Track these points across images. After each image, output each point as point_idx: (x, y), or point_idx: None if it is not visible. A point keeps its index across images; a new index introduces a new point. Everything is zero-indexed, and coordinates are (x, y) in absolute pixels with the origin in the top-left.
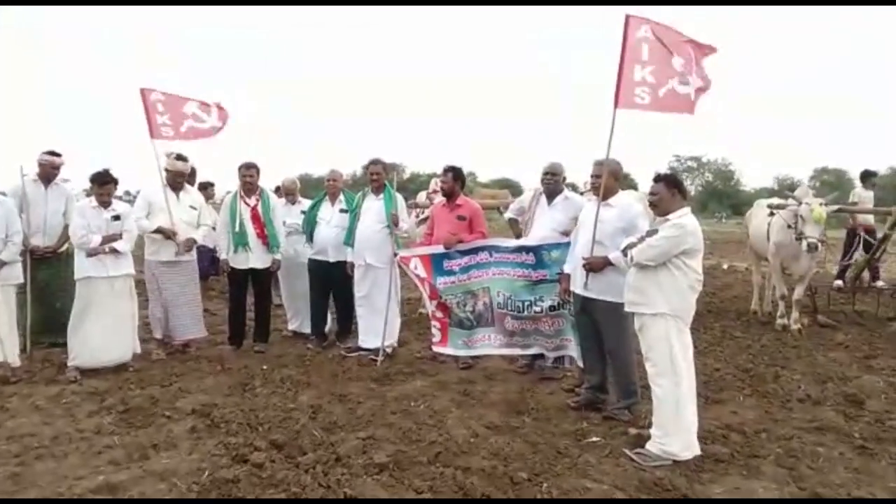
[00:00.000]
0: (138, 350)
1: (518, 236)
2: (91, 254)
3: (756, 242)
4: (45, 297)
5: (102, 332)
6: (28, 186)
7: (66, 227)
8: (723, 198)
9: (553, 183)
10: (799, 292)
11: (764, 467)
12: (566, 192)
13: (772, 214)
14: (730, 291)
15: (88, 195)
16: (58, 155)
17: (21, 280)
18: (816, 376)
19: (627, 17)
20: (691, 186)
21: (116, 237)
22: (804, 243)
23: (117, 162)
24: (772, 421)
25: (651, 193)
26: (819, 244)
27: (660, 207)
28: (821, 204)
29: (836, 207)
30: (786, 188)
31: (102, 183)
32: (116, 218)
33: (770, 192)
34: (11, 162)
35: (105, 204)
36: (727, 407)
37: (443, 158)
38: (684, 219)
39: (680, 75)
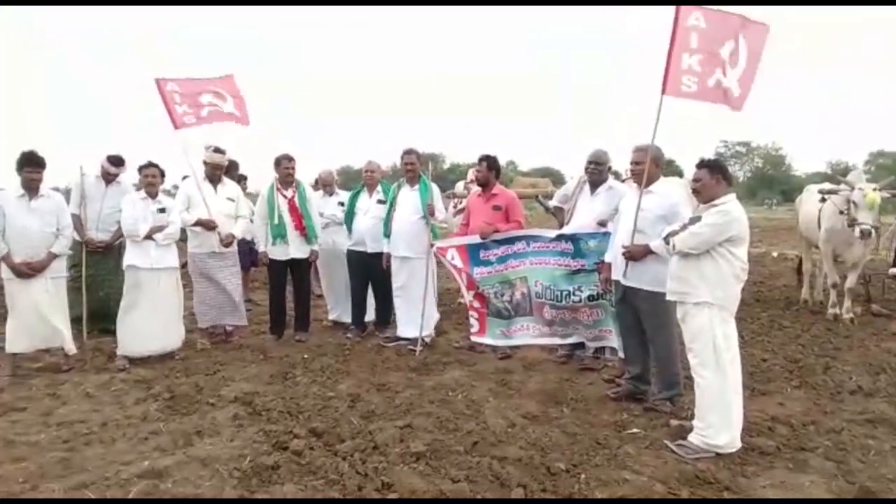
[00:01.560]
0: (182, 339)
1: (562, 225)
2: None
3: (807, 229)
4: (93, 287)
5: (149, 322)
6: (88, 183)
7: (119, 223)
8: (773, 184)
9: (597, 172)
10: (851, 280)
11: (812, 461)
12: (610, 181)
13: (823, 200)
14: (779, 280)
15: (138, 189)
16: (120, 163)
17: (67, 273)
18: (869, 367)
19: (677, 7)
20: (740, 172)
21: (162, 228)
22: (857, 230)
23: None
24: (821, 413)
25: (694, 180)
26: (872, 230)
27: (703, 194)
28: (874, 189)
29: (890, 193)
30: (839, 173)
31: (143, 167)
32: (162, 210)
33: (823, 178)
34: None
35: (152, 194)
36: (774, 399)
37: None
38: (729, 205)
39: (723, 64)
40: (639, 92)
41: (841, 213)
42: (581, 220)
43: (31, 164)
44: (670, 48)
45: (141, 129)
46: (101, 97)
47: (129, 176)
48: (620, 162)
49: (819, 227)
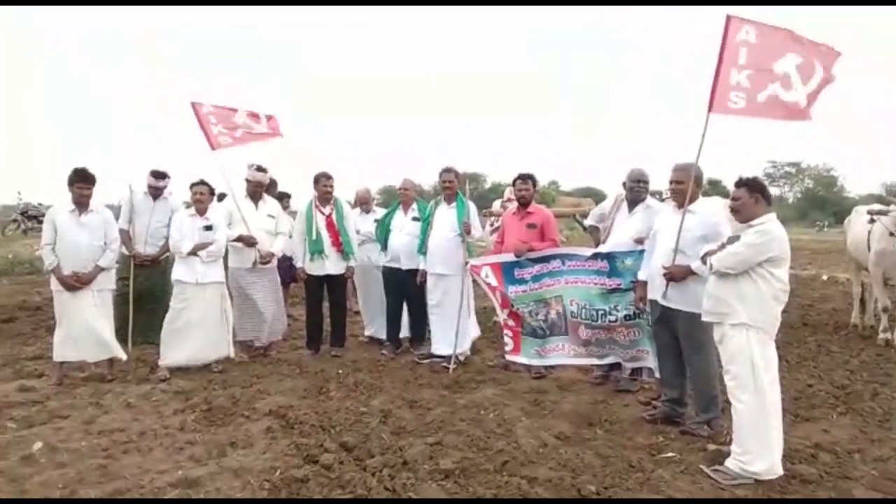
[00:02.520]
0: (232, 354)
1: (598, 244)
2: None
3: (856, 251)
4: (140, 300)
5: (192, 334)
6: (137, 198)
7: (167, 238)
8: (825, 205)
9: (642, 191)
10: None
11: (856, 490)
12: (648, 199)
13: (872, 221)
14: (828, 303)
15: (188, 207)
16: (162, 176)
17: (113, 286)
18: None
19: (728, 18)
20: (789, 193)
21: (206, 245)
22: None
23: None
24: (867, 441)
25: (733, 199)
26: None
27: (742, 214)
28: None
29: None
30: (894, 195)
31: (193, 184)
32: (209, 228)
33: (877, 199)
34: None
35: (201, 211)
36: (818, 425)
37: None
38: (769, 225)
39: (783, 79)
40: (681, 108)
41: (891, 234)
42: (618, 239)
43: (81, 181)
44: (718, 64)
45: (169, 142)
46: (100, 97)
47: (179, 192)
48: (660, 181)
49: (869, 248)
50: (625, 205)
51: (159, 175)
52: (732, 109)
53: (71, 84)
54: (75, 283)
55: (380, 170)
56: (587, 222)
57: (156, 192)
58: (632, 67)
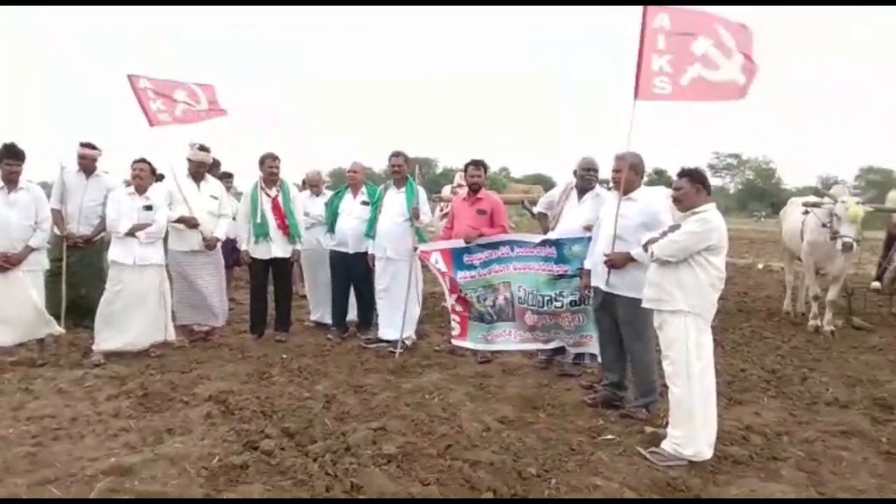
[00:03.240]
0: (172, 337)
1: (546, 231)
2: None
3: (790, 241)
4: (73, 283)
5: (129, 318)
6: (68, 176)
7: (102, 218)
8: (763, 196)
9: (593, 179)
10: (833, 293)
11: (783, 470)
12: (597, 188)
13: (806, 213)
14: (762, 291)
15: (128, 185)
16: (93, 147)
17: (47, 266)
18: (846, 379)
19: (645, 8)
20: (731, 184)
21: (146, 226)
22: (839, 242)
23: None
24: (795, 423)
25: (675, 188)
26: (854, 244)
27: (683, 203)
28: (857, 202)
29: (872, 207)
30: (829, 188)
31: (134, 162)
32: (149, 208)
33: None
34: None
35: (140, 189)
36: (749, 408)
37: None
38: (708, 214)
39: (703, 59)
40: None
41: (824, 225)
42: (567, 226)
43: (10, 157)
44: (640, 51)
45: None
46: (100, 97)
47: (114, 170)
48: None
49: (802, 239)
50: (574, 193)
51: (90, 145)
52: (659, 95)
53: (70, 83)
54: (4, 265)
55: (332, 153)
56: (536, 209)
57: (87, 166)
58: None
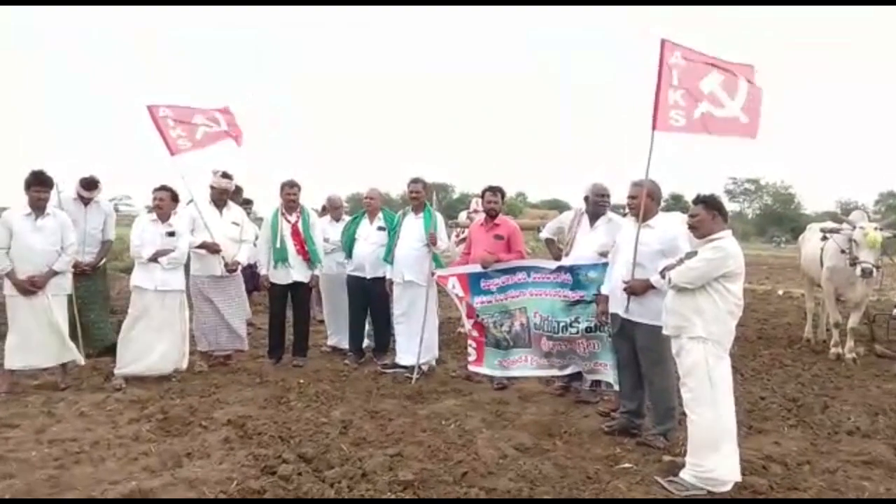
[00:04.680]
0: (184, 365)
1: (556, 257)
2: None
3: (809, 267)
4: (82, 311)
5: (150, 342)
6: (67, 204)
7: (103, 243)
8: (783, 222)
9: (605, 205)
10: (854, 320)
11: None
12: (609, 213)
13: (825, 239)
14: (783, 318)
15: (150, 211)
16: (93, 186)
17: (70, 290)
18: (868, 408)
19: (663, 42)
20: (749, 209)
21: (169, 252)
22: (858, 269)
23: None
24: (816, 453)
25: (690, 215)
26: (874, 269)
27: (700, 230)
28: (876, 228)
29: (892, 233)
30: (848, 213)
31: (155, 189)
32: (171, 234)
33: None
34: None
35: (162, 217)
36: (770, 437)
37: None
38: (724, 241)
39: (710, 98)
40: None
41: (843, 251)
42: (581, 252)
43: (38, 184)
44: (658, 84)
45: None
46: (100, 97)
47: (137, 196)
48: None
49: (821, 265)
50: (585, 218)
51: (89, 185)
52: (675, 127)
53: (70, 83)
54: (29, 288)
55: (349, 178)
56: (542, 235)
57: (86, 201)
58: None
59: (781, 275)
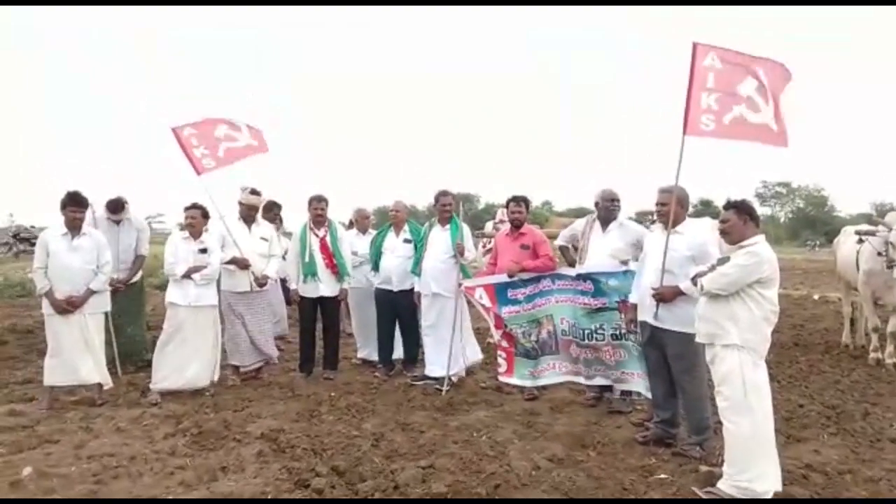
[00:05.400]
0: (215, 378)
1: (571, 264)
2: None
3: (845, 271)
4: (120, 326)
5: (185, 357)
6: (101, 224)
7: (136, 259)
8: (816, 224)
9: (615, 209)
10: (894, 324)
11: None
12: (620, 218)
13: (861, 241)
14: (819, 323)
15: (181, 229)
16: (119, 209)
17: (108, 308)
18: None
19: (695, 45)
20: (780, 213)
21: (201, 268)
22: (895, 271)
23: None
24: (858, 462)
25: (722, 221)
26: None
27: (731, 235)
28: None
29: None
30: (883, 214)
31: (186, 208)
32: (203, 251)
33: (867, 219)
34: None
35: (194, 235)
36: (809, 446)
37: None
38: (758, 247)
39: (748, 102)
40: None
41: (879, 254)
42: (596, 259)
43: (74, 204)
44: (689, 88)
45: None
46: (100, 97)
47: (169, 213)
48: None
49: (857, 268)
50: (597, 224)
51: (116, 208)
52: (705, 132)
53: (70, 83)
54: (67, 308)
55: (374, 190)
56: (556, 243)
57: (117, 220)
58: (634, 69)
59: (816, 279)
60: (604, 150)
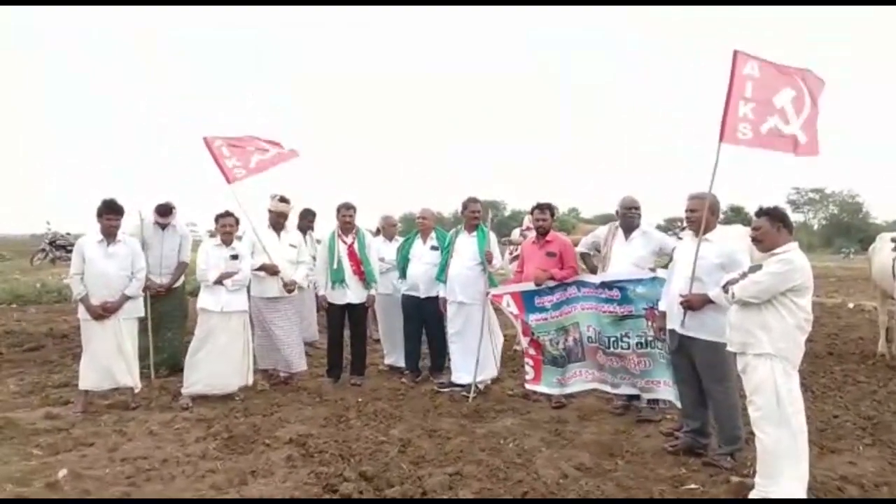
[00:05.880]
0: (250, 382)
1: (592, 270)
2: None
3: (880, 279)
4: (159, 329)
5: (215, 362)
6: (148, 229)
7: (178, 265)
8: (850, 231)
9: (636, 216)
10: None
11: None
12: (643, 225)
13: None
14: (854, 332)
15: (212, 235)
16: (167, 212)
17: (142, 314)
18: None
19: (735, 53)
20: (814, 220)
21: (232, 274)
22: None
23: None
24: (895, 474)
25: (754, 228)
26: None
27: (764, 243)
28: None
29: None
30: None
31: (219, 216)
32: (234, 257)
33: None
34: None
35: (227, 242)
36: (844, 457)
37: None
38: (791, 254)
39: (781, 113)
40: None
41: None
42: (619, 267)
43: (109, 212)
44: (728, 95)
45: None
46: (100, 97)
47: (205, 225)
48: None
49: (893, 276)
50: (620, 232)
51: (164, 212)
52: (741, 140)
53: (70, 83)
54: (102, 313)
55: (349, 178)
56: (578, 249)
57: (164, 226)
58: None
59: (851, 287)
60: (633, 156)
